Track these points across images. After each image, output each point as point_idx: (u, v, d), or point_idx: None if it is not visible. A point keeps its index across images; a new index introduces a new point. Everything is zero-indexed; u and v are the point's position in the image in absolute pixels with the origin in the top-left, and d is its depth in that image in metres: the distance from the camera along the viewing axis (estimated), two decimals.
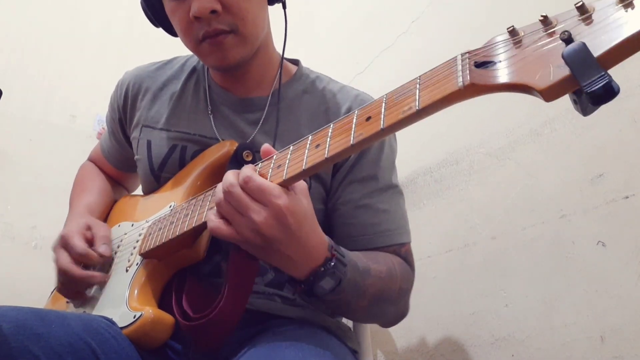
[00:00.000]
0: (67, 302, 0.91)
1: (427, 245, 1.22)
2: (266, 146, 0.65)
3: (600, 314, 0.85)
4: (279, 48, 0.95)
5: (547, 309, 0.93)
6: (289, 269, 0.64)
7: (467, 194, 1.16)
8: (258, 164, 0.65)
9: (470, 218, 1.13)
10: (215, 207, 0.63)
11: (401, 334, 1.25)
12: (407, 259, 0.84)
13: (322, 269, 0.63)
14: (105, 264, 0.89)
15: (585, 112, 0.42)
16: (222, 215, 0.61)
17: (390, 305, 0.79)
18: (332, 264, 0.64)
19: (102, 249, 0.84)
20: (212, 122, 0.90)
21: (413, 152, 1.28)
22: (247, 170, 0.61)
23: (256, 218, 0.58)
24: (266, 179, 0.61)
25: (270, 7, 0.88)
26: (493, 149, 1.11)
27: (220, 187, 0.62)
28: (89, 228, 0.88)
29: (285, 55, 0.93)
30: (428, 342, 1.18)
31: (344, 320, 0.95)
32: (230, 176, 0.61)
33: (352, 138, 0.54)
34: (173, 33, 0.89)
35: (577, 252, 0.90)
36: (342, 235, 0.84)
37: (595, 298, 0.86)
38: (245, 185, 0.59)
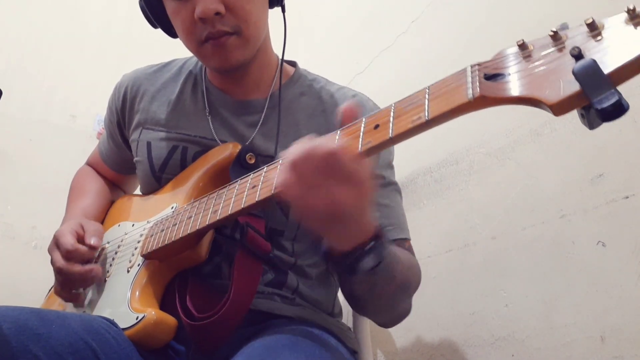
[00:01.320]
0: (65, 301, 0.91)
1: (427, 245, 1.22)
2: (349, 105, 0.60)
3: (600, 314, 0.85)
4: (277, 51, 0.95)
5: (547, 309, 0.93)
6: (335, 241, 0.60)
7: (467, 194, 1.16)
8: (264, 167, 0.65)
9: (470, 218, 1.13)
10: (293, 163, 0.55)
11: (401, 334, 1.25)
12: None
13: (370, 244, 0.60)
14: (104, 265, 0.89)
15: (592, 126, 0.42)
16: (300, 175, 0.54)
17: (408, 296, 0.79)
18: (381, 242, 0.61)
19: (92, 240, 0.84)
20: (211, 124, 0.90)
21: (413, 152, 1.28)
22: (333, 142, 0.55)
23: (338, 194, 0.53)
24: None
25: (269, 10, 0.88)
26: (493, 149, 1.11)
27: (309, 147, 0.54)
28: (81, 227, 0.88)
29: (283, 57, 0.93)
30: (428, 342, 1.18)
31: (344, 320, 0.95)
32: (330, 143, 0.54)
33: (360, 145, 0.54)
34: (172, 34, 0.89)
35: (577, 252, 0.90)
36: None
37: (595, 298, 0.86)
38: (350, 161, 0.53)
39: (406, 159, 1.12)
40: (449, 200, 1.20)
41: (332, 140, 0.56)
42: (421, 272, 0.84)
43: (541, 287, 0.95)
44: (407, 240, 0.86)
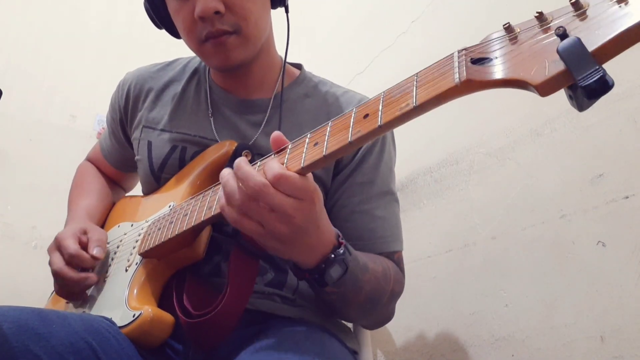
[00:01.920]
0: (67, 302, 0.91)
1: (427, 245, 1.22)
2: (277, 134, 0.62)
3: (600, 314, 0.85)
4: (280, 52, 0.95)
5: (547, 309, 0.93)
6: (301, 258, 0.64)
7: (467, 194, 1.16)
8: (258, 162, 0.65)
9: (470, 218, 1.13)
10: (228, 201, 0.60)
11: (401, 333, 1.25)
12: (399, 265, 0.85)
13: (332, 255, 0.64)
14: (103, 265, 0.89)
15: (581, 107, 0.42)
16: (243, 211, 0.59)
17: (382, 305, 0.79)
18: (342, 251, 0.64)
19: (95, 251, 0.84)
20: (212, 124, 0.90)
21: (413, 152, 1.28)
22: (276, 165, 0.58)
23: (291, 212, 0.57)
24: None
25: (272, 11, 0.88)
26: (493, 149, 1.11)
27: (234, 185, 0.59)
28: (84, 232, 0.88)
29: (286, 57, 0.93)
30: (428, 342, 1.18)
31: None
32: (256, 177, 0.57)
33: (350, 135, 0.54)
34: (176, 35, 0.89)
35: (577, 252, 0.90)
36: None
37: (595, 298, 0.86)
38: (278, 183, 0.56)
39: (406, 159, 1.12)
40: (449, 200, 1.20)
41: (276, 165, 0.58)
42: (404, 279, 0.85)
43: (541, 287, 0.95)
44: (397, 252, 0.86)
